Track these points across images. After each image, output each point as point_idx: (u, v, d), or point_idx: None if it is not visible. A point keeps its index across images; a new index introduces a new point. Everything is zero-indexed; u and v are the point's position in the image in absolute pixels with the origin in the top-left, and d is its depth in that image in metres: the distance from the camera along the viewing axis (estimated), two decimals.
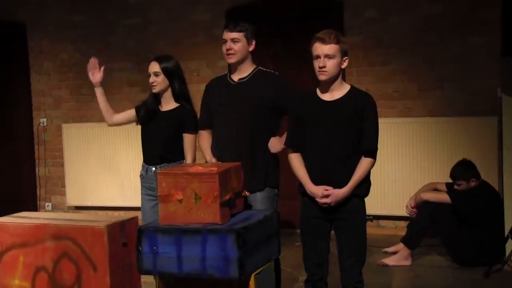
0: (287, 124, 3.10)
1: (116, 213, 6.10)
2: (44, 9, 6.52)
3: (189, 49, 5.92)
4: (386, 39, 5.45)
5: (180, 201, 2.53)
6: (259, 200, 3.13)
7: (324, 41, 2.83)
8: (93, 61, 3.68)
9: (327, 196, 2.84)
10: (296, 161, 2.97)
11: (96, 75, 3.66)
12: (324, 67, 2.82)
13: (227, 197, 2.56)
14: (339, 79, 2.92)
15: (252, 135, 3.16)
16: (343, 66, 2.90)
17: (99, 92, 3.67)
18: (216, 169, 2.58)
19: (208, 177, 2.52)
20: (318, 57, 2.85)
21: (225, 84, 3.26)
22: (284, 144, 3.08)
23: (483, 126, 5.14)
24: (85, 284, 2.80)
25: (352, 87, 2.97)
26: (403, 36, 5.40)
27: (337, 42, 2.84)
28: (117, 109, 6.47)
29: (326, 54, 2.82)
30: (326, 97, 2.92)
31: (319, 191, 2.86)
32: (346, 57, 2.89)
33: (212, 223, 2.50)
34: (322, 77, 2.86)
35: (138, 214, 3.33)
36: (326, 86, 2.91)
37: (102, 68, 3.67)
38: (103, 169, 6.24)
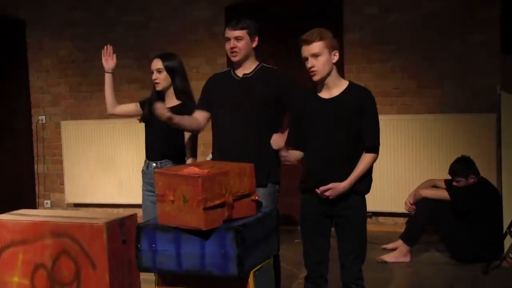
0: (288, 121, 3.10)
1: (115, 210, 6.10)
2: (43, 6, 6.51)
3: (189, 46, 5.92)
4: (386, 36, 5.45)
5: (172, 202, 2.49)
6: (260, 196, 3.12)
7: (307, 42, 2.83)
8: (107, 48, 3.69)
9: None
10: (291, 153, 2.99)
11: (109, 61, 3.66)
12: (313, 66, 2.82)
13: (216, 202, 2.45)
14: (335, 75, 2.90)
15: (255, 131, 3.16)
16: (333, 61, 2.87)
17: (108, 78, 3.67)
18: (202, 172, 2.47)
19: (192, 180, 2.43)
20: (306, 59, 2.85)
21: (229, 80, 3.26)
22: (285, 143, 3.08)
23: (482, 123, 5.15)
24: (84, 281, 2.80)
25: (350, 83, 2.96)
26: (403, 34, 5.40)
27: (320, 39, 2.82)
28: None
29: (311, 54, 2.82)
30: (325, 94, 2.92)
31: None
32: (335, 51, 2.86)
33: (196, 228, 2.43)
34: (315, 78, 2.86)
35: (137, 211, 3.33)
36: (323, 83, 2.90)
37: (115, 55, 3.68)
38: (102, 166, 6.24)
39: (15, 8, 6.57)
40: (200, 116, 3.27)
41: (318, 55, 2.81)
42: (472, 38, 5.20)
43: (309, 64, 2.82)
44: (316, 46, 2.81)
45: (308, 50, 2.82)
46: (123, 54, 6.25)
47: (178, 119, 3.06)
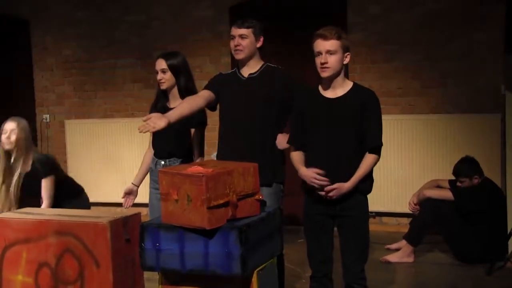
0: (290, 121, 3.10)
1: (119, 209, 6.10)
2: (47, 6, 6.53)
3: (192, 46, 5.93)
4: (389, 36, 5.45)
5: (176, 201, 2.48)
6: (265, 195, 3.12)
7: (325, 37, 2.83)
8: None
9: (319, 177, 2.84)
10: (295, 157, 3.01)
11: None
12: (326, 63, 2.82)
13: (220, 201, 2.44)
14: (342, 76, 2.91)
15: (260, 130, 3.16)
16: (345, 62, 2.89)
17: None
18: (206, 171, 2.46)
19: (196, 179, 2.42)
20: (319, 53, 2.84)
21: (235, 80, 3.27)
22: (287, 143, 3.08)
23: (486, 123, 5.14)
24: (88, 280, 2.80)
25: (355, 84, 2.96)
26: (406, 33, 5.39)
27: (338, 38, 2.84)
28: (119, 106, 6.51)
29: (327, 50, 2.82)
30: (329, 94, 2.92)
31: (310, 174, 2.86)
32: (347, 53, 2.89)
33: (200, 227, 2.43)
34: (324, 74, 2.86)
35: (141, 210, 3.33)
36: (329, 83, 2.91)
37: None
38: (106, 165, 6.25)
39: (18, 8, 6.59)
40: (204, 94, 3.23)
41: (333, 53, 2.82)
42: (475, 37, 5.19)
43: (322, 60, 2.83)
44: (333, 44, 2.82)
45: (323, 45, 2.83)
46: (127, 54, 6.29)
47: (176, 115, 2.98)
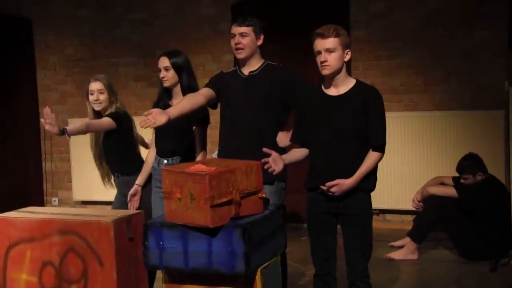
0: (293, 120, 3.10)
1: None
2: (49, 4, 6.54)
3: (194, 44, 5.93)
4: (392, 33, 5.44)
5: (179, 199, 2.48)
6: (267, 193, 3.12)
7: (323, 36, 2.82)
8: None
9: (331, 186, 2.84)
10: (292, 152, 3.02)
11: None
12: (325, 61, 2.82)
13: (223, 199, 2.45)
14: (344, 73, 2.90)
15: (262, 128, 3.16)
16: (345, 59, 2.88)
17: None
18: (209, 169, 2.46)
19: (199, 177, 2.42)
20: (319, 52, 2.85)
21: (235, 78, 3.26)
22: (290, 141, 3.08)
23: (490, 120, 5.13)
24: (92, 278, 2.80)
25: (357, 81, 2.95)
26: (409, 30, 5.38)
27: (337, 36, 2.83)
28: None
29: (326, 48, 2.82)
30: (332, 92, 2.91)
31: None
32: (348, 50, 2.88)
33: (203, 225, 2.43)
34: (325, 72, 2.86)
35: None
36: (331, 80, 2.90)
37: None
38: None
39: (21, 7, 6.59)
40: (205, 91, 3.22)
41: (332, 51, 2.82)
42: (478, 34, 5.18)
43: (322, 58, 2.82)
44: (332, 42, 2.81)
45: (322, 44, 2.82)
46: (129, 52, 6.29)
47: (176, 111, 2.97)
